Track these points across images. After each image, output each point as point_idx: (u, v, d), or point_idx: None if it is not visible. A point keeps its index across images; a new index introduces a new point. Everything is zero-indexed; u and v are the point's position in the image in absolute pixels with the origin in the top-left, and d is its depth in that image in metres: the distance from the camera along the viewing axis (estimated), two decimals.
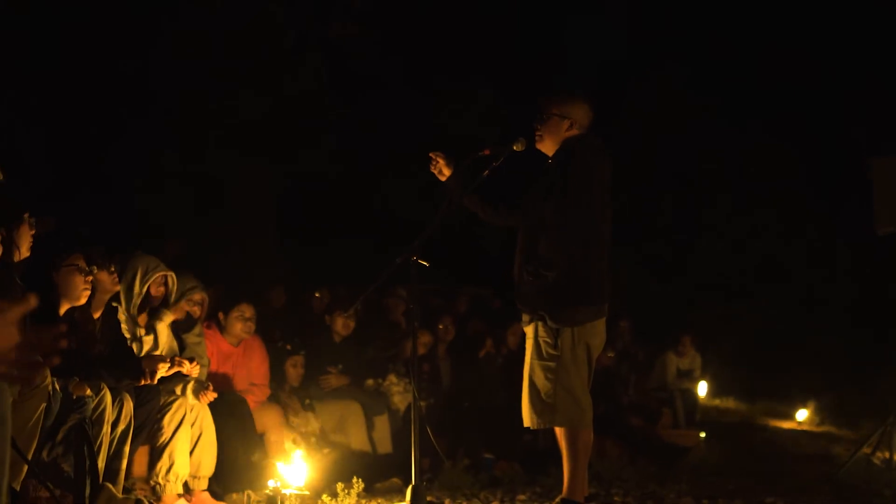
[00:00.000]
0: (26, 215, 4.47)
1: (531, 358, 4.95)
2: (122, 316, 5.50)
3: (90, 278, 4.96)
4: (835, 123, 15.32)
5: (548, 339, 4.87)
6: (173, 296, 5.79)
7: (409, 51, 12.02)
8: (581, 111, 5.06)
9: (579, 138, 4.99)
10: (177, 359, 5.33)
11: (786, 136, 14.84)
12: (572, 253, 4.87)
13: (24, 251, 4.48)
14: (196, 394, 5.47)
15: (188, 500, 5.44)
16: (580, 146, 4.94)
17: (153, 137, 9.98)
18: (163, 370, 5.22)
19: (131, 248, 6.09)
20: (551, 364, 4.84)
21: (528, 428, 5.05)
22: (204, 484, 5.58)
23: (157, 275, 5.64)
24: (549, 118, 5.06)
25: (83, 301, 4.98)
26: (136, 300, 5.58)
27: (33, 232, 4.54)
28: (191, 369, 5.34)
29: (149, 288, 5.63)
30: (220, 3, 9.97)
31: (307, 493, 5.39)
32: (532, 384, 4.91)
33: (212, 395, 5.51)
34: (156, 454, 5.39)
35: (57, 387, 4.36)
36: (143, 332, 5.65)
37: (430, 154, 5.19)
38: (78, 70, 9.57)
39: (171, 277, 5.76)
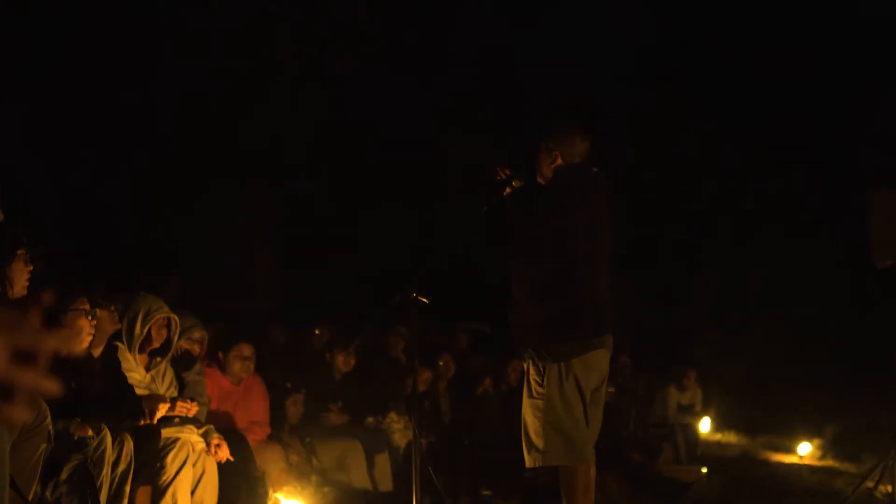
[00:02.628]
0: (21, 252, 4.42)
1: (524, 395, 4.90)
2: (122, 355, 5.50)
3: (94, 322, 4.96)
4: (837, 150, 15.35)
5: (536, 377, 4.79)
6: (175, 341, 5.77)
7: (413, 76, 12.10)
8: (567, 141, 4.93)
9: (567, 168, 4.88)
10: (178, 400, 5.33)
11: (784, 157, 14.88)
12: (546, 287, 4.76)
13: (18, 289, 4.42)
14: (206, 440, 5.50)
15: None
16: (563, 177, 4.86)
17: (153, 170, 10.03)
18: (163, 410, 5.23)
19: (134, 284, 6.10)
20: (539, 402, 4.75)
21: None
22: None
23: (160, 317, 5.63)
24: (538, 151, 5.03)
25: (85, 346, 4.98)
26: (137, 342, 5.57)
27: (29, 268, 4.49)
28: (190, 409, 5.34)
29: (150, 329, 5.61)
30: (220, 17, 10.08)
31: None
32: (524, 422, 4.86)
33: (221, 455, 5.53)
34: (158, 494, 5.36)
35: (50, 428, 4.33)
36: (143, 371, 5.65)
37: (497, 167, 5.08)
38: (78, 95, 9.62)
39: (175, 321, 5.74)
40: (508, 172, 5.02)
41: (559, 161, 4.93)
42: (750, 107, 15.35)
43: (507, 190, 4.99)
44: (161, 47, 10.17)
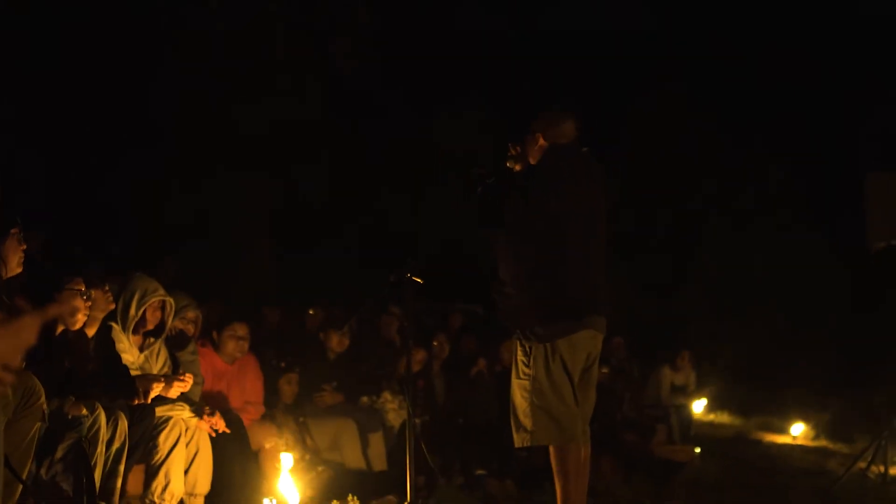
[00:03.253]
0: (14, 230, 4.47)
1: (512, 376, 4.93)
2: (116, 335, 5.55)
3: (89, 303, 5.01)
4: (833, 141, 15.40)
5: (523, 358, 4.83)
6: (169, 323, 5.82)
7: (408, 72, 12.18)
8: (551, 125, 4.97)
9: (553, 149, 4.91)
10: (174, 379, 5.38)
11: (783, 152, 14.93)
12: (534, 269, 4.77)
13: (12, 267, 4.48)
14: (198, 414, 5.54)
15: None
16: (548, 158, 4.89)
17: (152, 156, 10.12)
18: (157, 389, 5.27)
19: (129, 267, 6.15)
20: (525, 382, 4.80)
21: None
22: (200, 502, 5.59)
23: (155, 299, 5.67)
24: (527, 135, 5.06)
25: (80, 325, 5.03)
26: (131, 323, 5.61)
27: (23, 247, 4.54)
28: (186, 383, 5.39)
29: (145, 311, 5.66)
30: (220, 17, 10.19)
31: None
32: (512, 402, 4.89)
33: (217, 423, 5.57)
34: (151, 473, 5.40)
35: (45, 407, 4.37)
36: (136, 352, 5.70)
37: (510, 144, 5.13)
38: (77, 89, 9.72)
39: (170, 304, 5.78)
40: (519, 149, 5.08)
41: (541, 142, 4.97)
42: (750, 107, 15.42)
43: (517, 167, 5.04)
44: (161, 47, 10.26)
